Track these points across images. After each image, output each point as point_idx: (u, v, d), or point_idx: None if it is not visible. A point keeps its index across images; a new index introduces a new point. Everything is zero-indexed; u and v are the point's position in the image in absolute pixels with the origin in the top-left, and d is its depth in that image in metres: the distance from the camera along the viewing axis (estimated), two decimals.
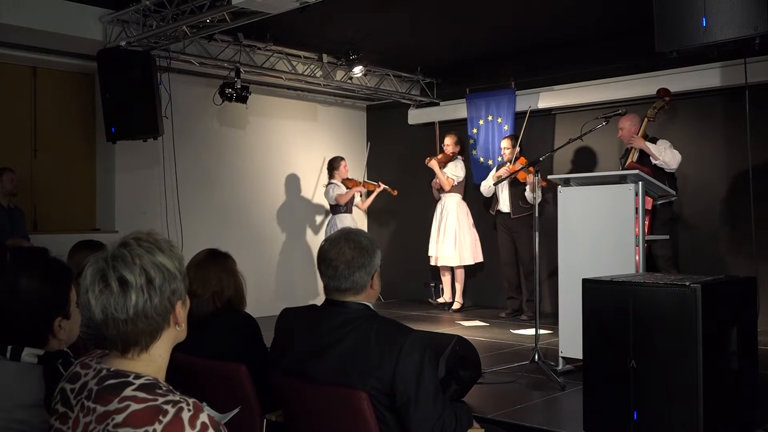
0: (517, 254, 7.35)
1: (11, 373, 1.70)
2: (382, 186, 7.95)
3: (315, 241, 8.58)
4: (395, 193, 8.05)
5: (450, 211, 7.73)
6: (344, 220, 7.56)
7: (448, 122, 8.48)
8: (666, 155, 5.74)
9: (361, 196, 7.97)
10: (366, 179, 8.33)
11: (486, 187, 7.46)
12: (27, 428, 1.64)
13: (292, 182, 8.51)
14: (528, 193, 7.09)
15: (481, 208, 7.94)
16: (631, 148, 5.92)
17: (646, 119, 5.88)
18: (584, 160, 7.42)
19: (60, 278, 1.84)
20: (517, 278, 7.43)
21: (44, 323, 1.78)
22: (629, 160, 5.88)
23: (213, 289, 2.76)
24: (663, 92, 5.91)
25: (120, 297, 1.40)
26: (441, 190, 7.84)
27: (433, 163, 7.68)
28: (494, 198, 7.49)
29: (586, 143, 7.09)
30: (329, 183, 7.80)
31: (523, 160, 7.18)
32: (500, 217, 7.43)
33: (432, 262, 7.87)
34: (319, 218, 8.73)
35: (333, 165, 7.82)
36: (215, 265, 2.82)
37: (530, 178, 6.84)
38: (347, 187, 7.75)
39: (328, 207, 8.13)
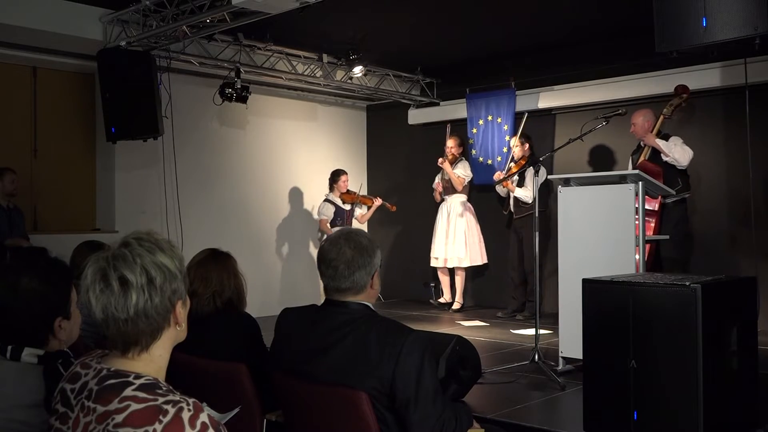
0: (523, 254, 7.34)
1: (11, 373, 1.70)
2: (380, 201, 7.94)
3: (314, 241, 8.57)
4: (393, 209, 8.04)
5: (458, 212, 7.72)
6: None
7: (448, 122, 8.47)
8: (676, 152, 5.59)
9: (357, 207, 7.95)
10: (365, 193, 8.29)
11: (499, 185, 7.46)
12: (27, 428, 1.64)
13: (292, 182, 8.50)
14: (519, 193, 7.12)
15: (483, 209, 7.93)
16: (645, 145, 5.79)
17: (661, 117, 5.74)
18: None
19: (60, 278, 1.84)
20: (520, 278, 7.42)
21: (44, 323, 1.78)
22: (642, 158, 5.74)
23: (213, 289, 2.76)
24: (681, 89, 5.71)
25: (120, 296, 1.40)
26: (445, 191, 7.83)
27: (447, 164, 7.68)
28: (508, 196, 7.49)
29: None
30: (325, 199, 7.77)
31: (521, 163, 7.18)
32: (511, 216, 7.46)
33: (441, 264, 7.81)
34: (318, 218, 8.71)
35: (333, 178, 7.78)
36: (216, 265, 2.83)
37: (504, 181, 7.08)
38: (343, 201, 7.74)
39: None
